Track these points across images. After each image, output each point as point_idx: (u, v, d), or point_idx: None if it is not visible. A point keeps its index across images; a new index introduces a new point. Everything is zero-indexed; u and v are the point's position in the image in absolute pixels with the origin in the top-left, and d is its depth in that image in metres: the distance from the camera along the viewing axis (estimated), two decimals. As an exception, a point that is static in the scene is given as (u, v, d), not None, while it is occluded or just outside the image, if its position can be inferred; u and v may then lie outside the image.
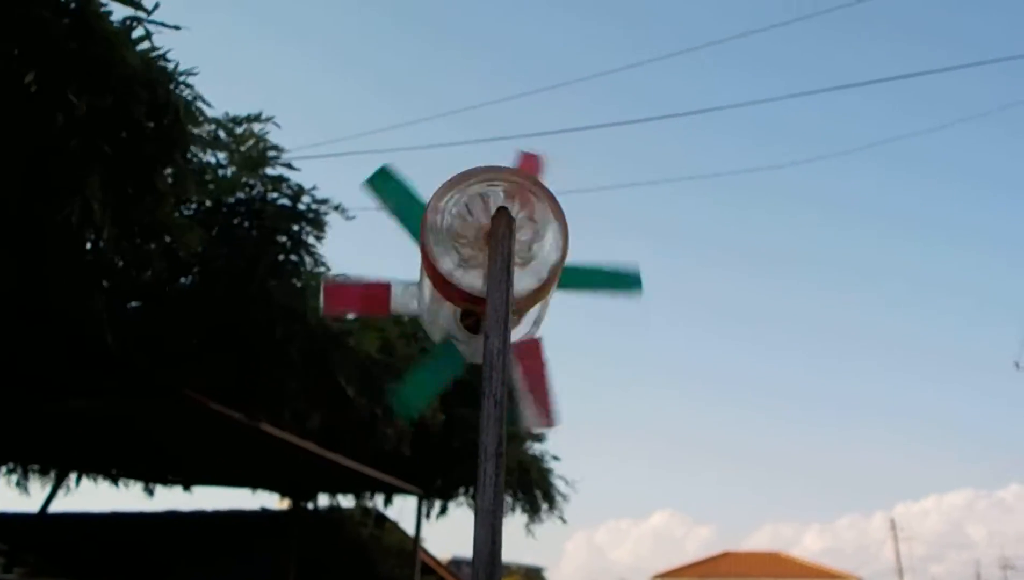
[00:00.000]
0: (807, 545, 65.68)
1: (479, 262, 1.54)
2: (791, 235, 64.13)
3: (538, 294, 1.58)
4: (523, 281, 1.58)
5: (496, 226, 1.51)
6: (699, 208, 65.31)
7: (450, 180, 1.54)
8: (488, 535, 1.22)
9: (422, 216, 1.55)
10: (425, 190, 1.67)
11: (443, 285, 1.58)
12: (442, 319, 1.78)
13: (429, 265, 1.58)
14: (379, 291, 1.86)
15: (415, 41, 61.01)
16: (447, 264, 1.57)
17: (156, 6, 5.41)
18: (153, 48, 5.74)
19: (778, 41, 75.49)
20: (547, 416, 1.78)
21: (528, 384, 1.76)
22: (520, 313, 1.61)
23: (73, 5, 5.04)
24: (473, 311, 1.61)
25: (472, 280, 1.56)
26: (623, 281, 1.87)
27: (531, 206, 1.57)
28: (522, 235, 1.59)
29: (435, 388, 1.78)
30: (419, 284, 1.74)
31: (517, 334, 1.79)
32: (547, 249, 1.59)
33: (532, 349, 1.76)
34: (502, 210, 1.53)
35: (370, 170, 1.84)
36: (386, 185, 1.78)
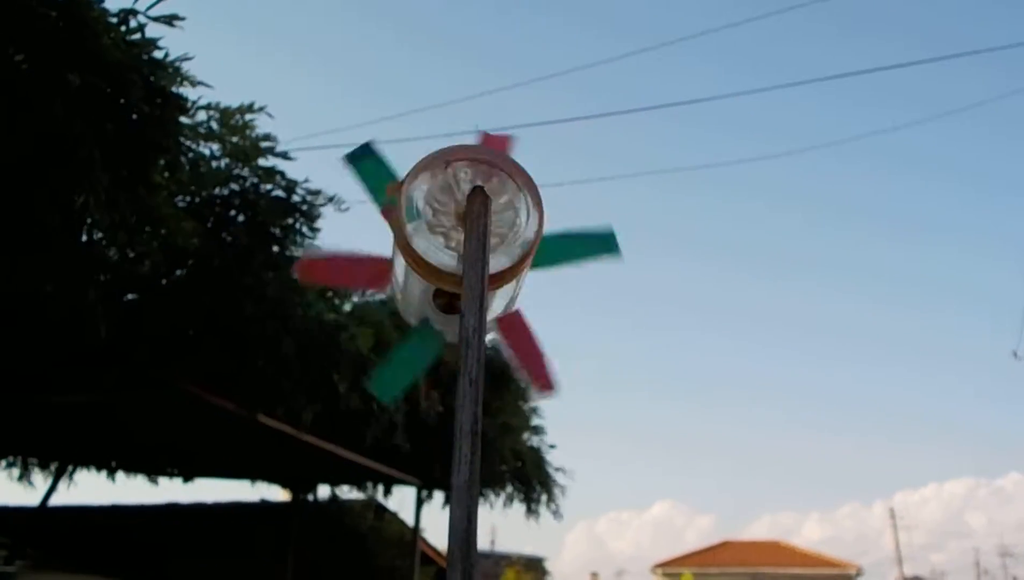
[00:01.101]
0: (807, 534, 65.93)
1: (455, 241, 1.53)
2: (779, 230, 64.11)
3: (514, 270, 1.58)
4: (498, 258, 1.57)
5: (471, 204, 1.50)
6: (680, 202, 65.32)
7: (424, 159, 1.54)
8: (464, 513, 1.22)
9: (396, 197, 1.55)
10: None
11: (420, 265, 1.58)
12: (415, 299, 1.77)
13: (405, 245, 1.57)
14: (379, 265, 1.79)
15: (401, 36, 61.00)
16: (423, 244, 1.57)
17: None
18: (144, 37, 5.74)
19: (755, 36, 75.24)
20: (546, 383, 1.77)
21: (520, 357, 1.75)
22: (495, 289, 1.61)
23: (62, -2, 5.03)
24: (447, 291, 1.60)
25: (448, 259, 1.56)
26: (598, 244, 1.82)
27: (505, 184, 1.57)
28: (496, 212, 1.59)
29: (414, 371, 1.75)
30: (392, 265, 1.73)
31: (493, 312, 1.78)
32: (521, 225, 1.59)
33: (516, 322, 1.75)
34: (477, 189, 1.53)
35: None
36: (366, 162, 1.75)
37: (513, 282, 1.63)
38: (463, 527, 1.20)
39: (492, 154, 1.53)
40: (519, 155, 1.75)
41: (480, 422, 1.27)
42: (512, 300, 1.72)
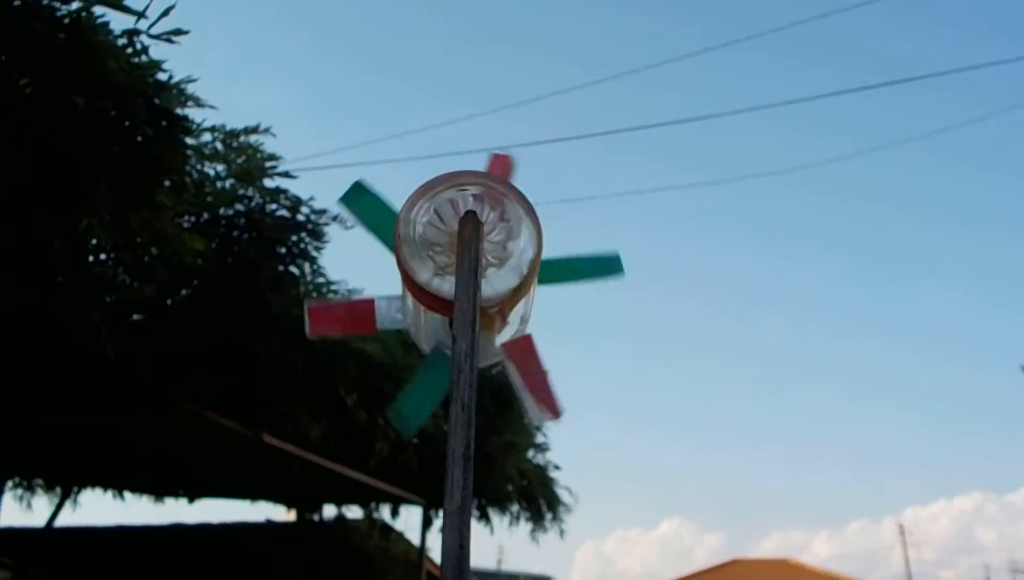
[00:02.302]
0: (816, 551, 65.37)
1: (453, 269, 1.53)
2: (788, 235, 64.12)
3: (518, 292, 1.57)
4: (501, 281, 1.57)
5: (463, 229, 1.50)
6: (718, 203, 65.08)
7: (419, 188, 1.54)
8: (456, 539, 1.21)
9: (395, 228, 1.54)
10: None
11: (420, 294, 1.58)
12: (429, 328, 1.76)
13: (406, 276, 1.57)
14: (364, 308, 1.85)
15: (413, 54, 61.42)
16: (423, 273, 1.57)
17: (145, 10, 5.43)
18: (151, 60, 5.78)
19: (817, 34, 74.68)
20: (552, 409, 1.76)
21: (526, 381, 1.74)
22: (503, 313, 1.60)
23: (67, 21, 5.06)
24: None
25: (448, 287, 1.55)
26: (604, 267, 1.86)
27: (502, 206, 1.57)
28: (496, 236, 1.59)
29: (433, 400, 1.74)
30: (402, 295, 1.73)
31: (506, 335, 1.77)
32: (522, 247, 1.58)
33: (525, 346, 1.74)
34: (469, 213, 1.53)
35: (370, 181, 1.83)
36: (361, 200, 1.77)
37: (519, 305, 1.63)
38: (455, 553, 1.19)
39: (486, 177, 1.53)
40: (522, 175, 1.77)
41: (472, 447, 1.26)
42: (524, 320, 1.72)
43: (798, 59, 54.42)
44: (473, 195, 1.55)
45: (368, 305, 1.84)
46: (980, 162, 59.50)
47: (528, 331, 1.79)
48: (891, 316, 68.00)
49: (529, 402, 1.74)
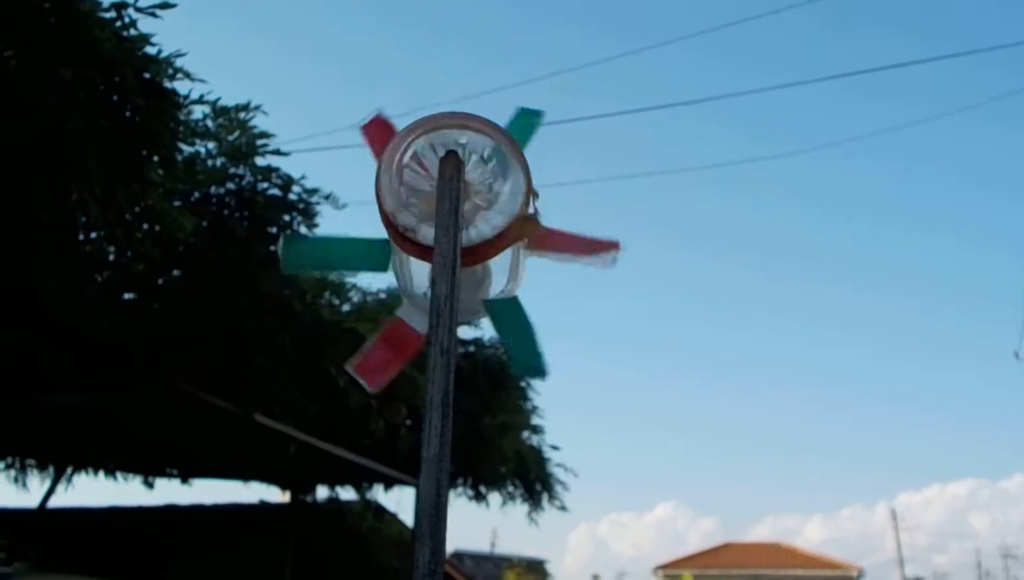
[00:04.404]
0: (810, 535, 65.84)
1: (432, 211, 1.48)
2: (788, 226, 64.28)
3: (500, 240, 1.51)
4: (488, 225, 1.51)
5: (444, 168, 1.45)
6: (689, 200, 65.38)
7: (401, 133, 1.49)
8: (432, 486, 1.17)
9: (375, 176, 1.49)
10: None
11: (403, 242, 1.53)
12: (419, 280, 1.71)
13: (388, 223, 1.52)
14: (397, 332, 1.66)
15: (404, 33, 61.12)
16: (405, 219, 1.52)
17: None
18: (138, 33, 5.70)
19: (770, 31, 75.16)
20: (606, 246, 1.63)
21: (574, 253, 1.62)
22: (483, 259, 1.54)
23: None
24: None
25: (431, 233, 1.50)
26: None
27: (488, 150, 1.52)
28: (481, 177, 1.53)
29: (534, 339, 1.57)
30: (391, 249, 1.67)
31: (495, 289, 1.70)
32: (507, 194, 1.53)
33: (547, 236, 1.58)
34: (451, 153, 1.48)
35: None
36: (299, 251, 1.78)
37: (509, 258, 1.56)
38: (432, 501, 1.15)
39: (471, 119, 1.48)
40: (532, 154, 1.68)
41: (451, 394, 1.22)
42: (512, 277, 1.64)
43: (856, 26, 54.34)
44: (457, 137, 1.50)
45: (398, 325, 1.65)
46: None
47: (517, 292, 1.71)
48: (886, 303, 68.20)
49: (587, 261, 1.63)
